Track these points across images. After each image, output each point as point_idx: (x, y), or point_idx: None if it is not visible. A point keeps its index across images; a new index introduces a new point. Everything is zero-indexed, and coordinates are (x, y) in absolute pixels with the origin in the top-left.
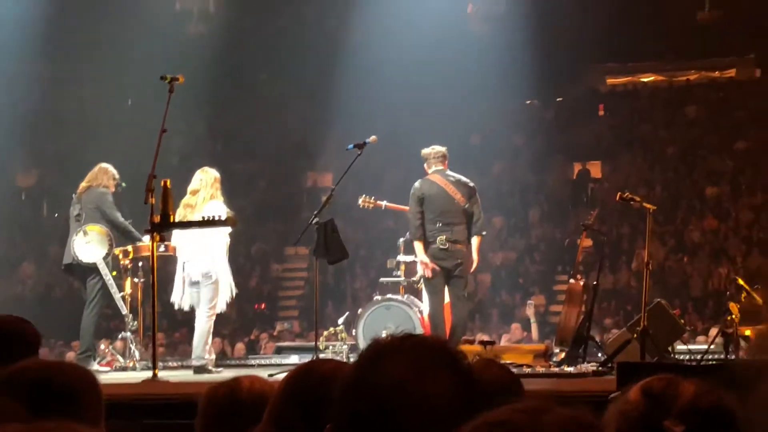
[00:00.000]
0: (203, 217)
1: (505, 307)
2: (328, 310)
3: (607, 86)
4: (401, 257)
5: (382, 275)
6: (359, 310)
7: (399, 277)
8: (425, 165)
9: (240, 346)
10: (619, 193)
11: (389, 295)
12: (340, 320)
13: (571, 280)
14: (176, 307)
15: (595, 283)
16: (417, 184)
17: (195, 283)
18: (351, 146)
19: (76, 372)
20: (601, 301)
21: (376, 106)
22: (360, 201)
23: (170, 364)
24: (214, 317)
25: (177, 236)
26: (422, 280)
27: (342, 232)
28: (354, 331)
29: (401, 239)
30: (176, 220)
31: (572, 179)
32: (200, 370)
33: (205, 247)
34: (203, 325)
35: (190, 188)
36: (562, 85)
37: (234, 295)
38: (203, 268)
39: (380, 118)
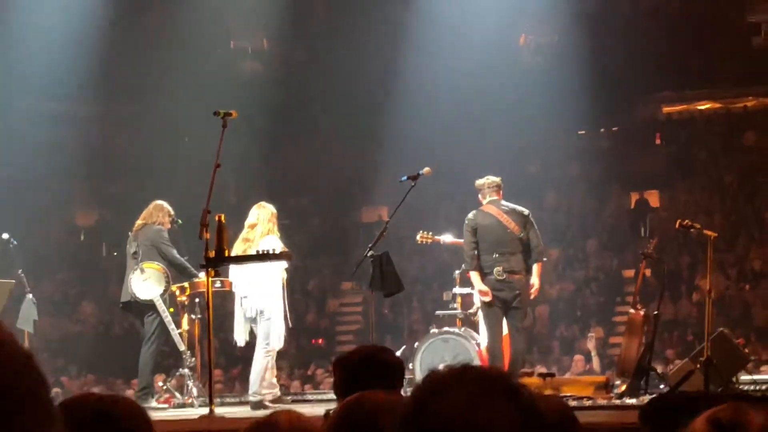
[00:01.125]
0: (258, 251)
1: (564, 339)
2: (386, 343)
3: (664, 115)
4: (457, 289)
5: (438, 308)
6: (416, 344)
7: (455, 309)
8: (479, 196)
9: (297, 382)
10: (678, 221)
11: (446, 328)
12: (397, 353)
13: (631, 310)
14: (238, 344)
15: (655, 313)
16: (471, 214)
17: (251, 319)
18: (404, 178)
19: (131, 407)
20: (663, 332)
21: (430, 138)
22: (418, 237)
23: (228, 400)
24: (271, 353)
25: (234, 272)
26: (479, 312)
27: (397, 265)
28: (411, 364)
29: (457, 272)
30: (234, 254)
31: (630, 209)
32: (257, 405)
33: (261, 283)
34: (260, 361)
35: (247, 222)
36: (617, 114)
37: (287, 330)
38: (259, 304)
39: (434, 149)
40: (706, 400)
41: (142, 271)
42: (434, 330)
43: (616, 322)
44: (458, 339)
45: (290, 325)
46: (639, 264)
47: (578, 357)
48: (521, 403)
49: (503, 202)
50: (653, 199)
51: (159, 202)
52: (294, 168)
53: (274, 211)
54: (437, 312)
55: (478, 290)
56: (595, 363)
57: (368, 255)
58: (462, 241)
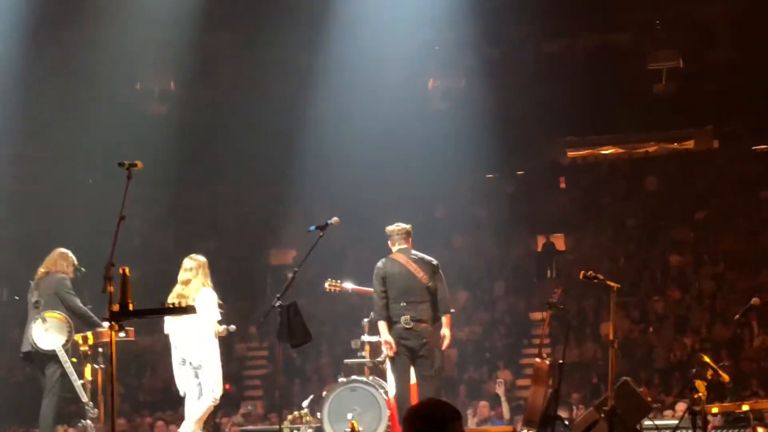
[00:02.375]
0: (165, 305)
1: (473, 382)
2: (294, 388)
3: (568, 159)
4: (365, 337)
5: (347, 352)
6: (324, 393)
7: (364, 358)
8: (389, 242)
9: None
10: (582, 272)
11: (354, 377)
12: (305, 403)
13: (537, 360)
14: (180, 393)
15: (560, 362)
16: (380, 263)
17: (197, 368)
18: (313, 228)
19: None
20: (568, 375)
21: (338, 184)
22: (326, 285)
23: None
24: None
25: (169, 324)
26: (387, 360)
27: (305, 308)
28: (319, 414)
29: (365, 319)
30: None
31: (536, 251)
32: None
33: (194, 335)
34: (204, 406)
35: (180, 278)
36: (523, 158)
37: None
38: (199, 356)
39: (342, 195)
40: None
41: (44, 320)
42: (342, 379)
43: (524, 364)
44: (367, 388)
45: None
46: (544, 312)
47: (483, 403)
48: None
49: (413, 252)
50: (559, 242)
51: (62, 250)
52: (201, 210)
53: (205, 260)
54: (345, 360)
55: (384, 341)
56: (505, 409)
57: (276, 305)
58: (368, 289)
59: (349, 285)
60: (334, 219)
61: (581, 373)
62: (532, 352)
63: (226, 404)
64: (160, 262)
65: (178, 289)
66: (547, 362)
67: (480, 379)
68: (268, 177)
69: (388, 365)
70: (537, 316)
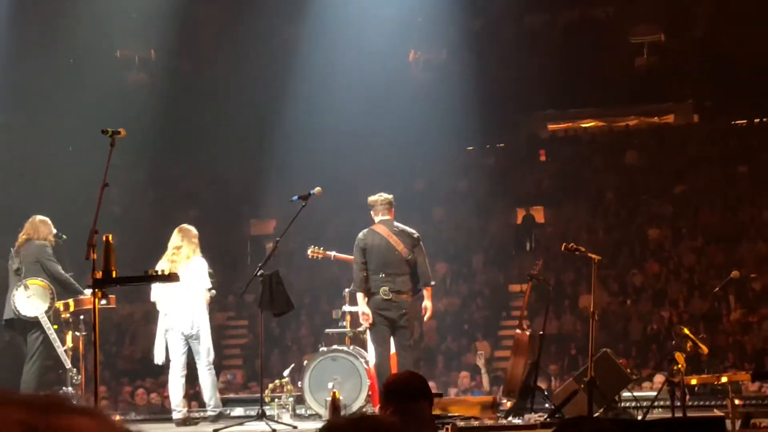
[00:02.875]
0: (146, 272)
1: (451, 353)
2: (273, 357)
3: (548, 132)
4: (346, 308)
5: (327, 323)
6: (305, 362)
7: (344, 327)
8: (372, 212)
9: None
10: (564, 244)
11: (335, 346)
12: (286, 372)
13: (518, 330)
14: (156, 361)
15: (540, 333)
16: (361, 234)
17: (188, 337)
18: (296, 198)
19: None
20: (546, 347)
21: (319, 154)
22: (309, 252)
23: (113, 417)
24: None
25: (156, 291)
26: (368, 330)
27: (286, 278)
28: (300, 383)
29: (346, 290)
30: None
31: (516, 224)
32: (218, 417)
33: (189, 302)
34: (209, 376)
35: (172, 245)
36: (503, 131)
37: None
38: (193, 323)
39: (323, 165)
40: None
41: (26, 287)
42: (323, 348)
43: (502, 336)
44: (347, 358)
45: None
46: (526, 283)
47: (464, 374)
48: None
49: (395, 223)
50: (539, 215)
51: (41, 217)
52: (181, 180)
53: (196, 232)
54: (326, 330)
55: (361, 312)
56: (485, 381)
57: (258, 274)
58: (349, 257)
59: (331, 252)
60: (317, 189)
61: (559, 345)
62: (511, 323)
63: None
64: (140, 231)
65: (168, 256)
66: (528, 334)
67: (459, 351)
68: (248, 147)
69: (368, 335)
70: (516, 288)
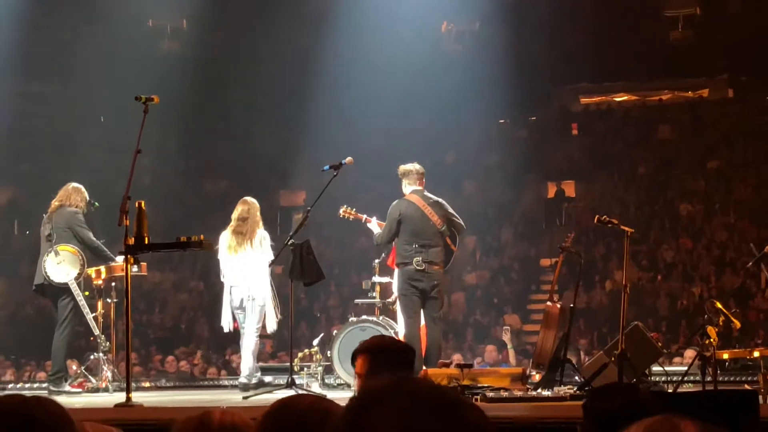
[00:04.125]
0: (180, 239)
1: (480, 326)
2: (301, 329)
3: (581, 106)
4: (376, 278)
5: (356, 295)
6: (334, 332)
7: (374, 298)
8: (403, 182)
9: (212, 370)
10: (597, 216)
11: (364, 317)
12: (315, 341)
13: (548, 303)
14: (224, 329)
15: (571, 306)
16: (395, 204)
17: (241, 307)
18: (327, 167)
19: (54, 409)
20: (575, 321)
21: (349, 125)
22: (341, 211)
23: (143, 384)
24: (258, 337)
25: (225, 263)
26: (398, 301)
27: (315, 249)
28: (329, 352)
29: (376, 260)
30: (229, 245)
31: (546, 199)
32: (250, 387)
33: (251, 273)
34: (252, 345)
35: (236, 215)
36: (535, 104)
37: (278, 316)
38: (250, 291)
39: (353, 137)
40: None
41: (57, 253)
42: (352, 318)
43: (531, 310)
44: (376, 328)
45: (279, 316)
46: (557, 256)
47: (491, 347)
48: (453, 420)
49: (427, 193)
50: (570, 189)
51: (75, 184)
52: (211, 151)
53: (258, 205)
54: (356, 300)
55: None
56: (511, 356)
57: (289, 243)
58: (381, 223)
59: (363, 215)
60: (349, 159)
61: (589, 319)
62: (540, 297)
63: (235, 342)
64: (170, 200)
65: (233, 227)
66: (558, 306)
67: (487, 324)
68: (279, 118)
69: (398, 306)
70: (546, 262)
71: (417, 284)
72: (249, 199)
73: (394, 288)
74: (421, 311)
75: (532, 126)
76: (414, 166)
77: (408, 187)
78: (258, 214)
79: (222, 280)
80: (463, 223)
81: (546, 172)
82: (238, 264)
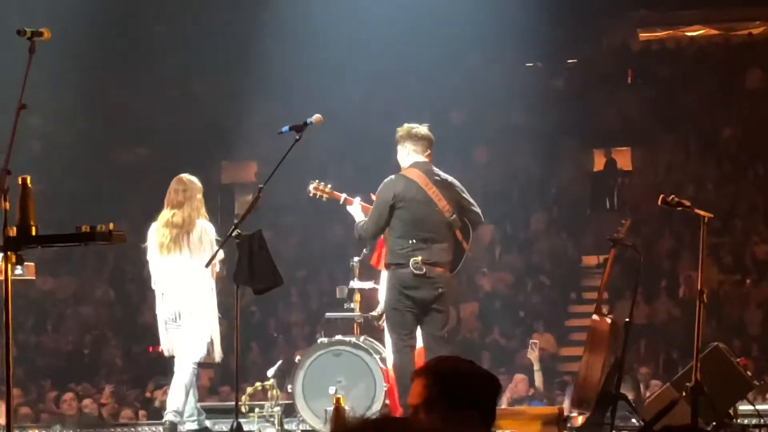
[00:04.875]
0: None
1: (500, 349)
2: (251, 355)
3: (639, 43)
4: (356, 283)
5: (327, 307)
6: (297, 358)
7: (353, 311)
8: (402, 150)
9: (127, 412)
10: (662, 197)
11: (339, 337)
12: (271, 371)
13: (594, 316)
14: (165, 353)
15: (626, 321)
16: (389, 182)
17: (175, 324)
18: (286, 129)
19: None
20: (633, 341)
21: (319, 73)
22: (311, 187)
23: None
24: (197, 364)
25: (154, 264)
26: (386, 315)
27: (271, 243)
28: (290, 386)
29: (356, 259)
30: (157, 244)
31: (592, 172)
32: (173, 427)
33: (188, 278)
34: (186, 375)
35: (169, 201)
36: (577, 41)
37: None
38: (183, 303)
39: (324, 88)
40: None
41: None
42: (322, 339)
43: (571, 327)
44: (356, 353)
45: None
46: (606, 253)
47: (520, 377)
48: None
49: (435, 169)
50: (624, 159)
51: None
52: (125, 107)
53: (201, 185)
54: (327, 315)
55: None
56: (538, 381)
57: (233, 235)
58: (369, 206)
59: (342, 194)
60: (316, 116)
61: (651, 339)
62: (584, 309)
63: (158, 371)
64: (68, 176)
65: (167, 216)
66: (608, 321)
67: (510, 346)
68: (219, 64)
69: (386, 322)
70: (591, 260)
71: (414, 294)
72: (186, 177)
73: (381, 297)
74: (418, 329)
75: (571, 71)
76: (421, 129)
77: (408, 158)
78: (199, 197)
79: (153, 287)
80: (480, 213)
81: (591, 136)
82: (173, 267)
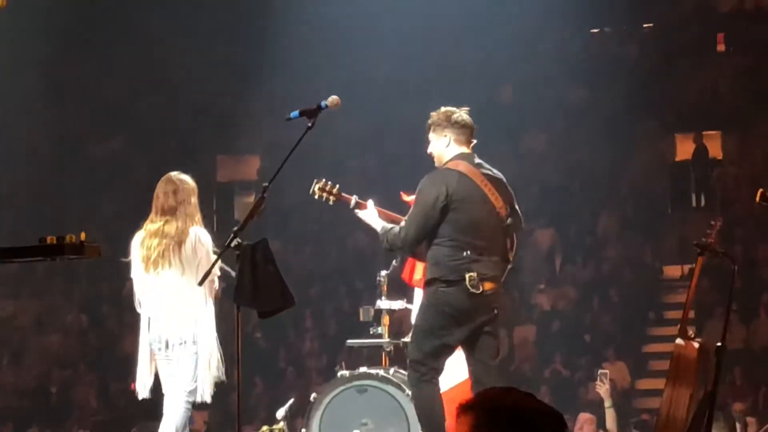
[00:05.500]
0: (45, 240)
1: (561, 382)
2: (255, 391)
3: (731, 2)
4: (383, 303)
5: (349, 330)
6: (312, 395)
7: (380, 337)
8: (441, 138)
9: None
10: (760, 192)
11: (363, 369)
12: (280, 412)
13: (679, 340)
14: (140, 394)
15: (719, 345)
16: (437, 176)
17: (165, 355)
18: (295, 114)
19: None
20: (727, 369)
21: (333, 46)
22: (314, 187)
23: None
24: (191, 403)
25: (140, 285)
26: (413, 338)
27: (279, 255)
28: (304, 430)
29: (383, 273)
30: (146, 256)
31: (674, 162)
32: None
33: (179, 299)
34: (178, 415)
35: (158, 206)
36: (653, 1)
37: (221, 373)
38: (174, 330)
39: (343, 64)
40: None
41: None
42: (343, 372)
43: (649, 353)
44: (385, 388)
45: (221, 367)
46: (693, 262)
47: (586, 417)
48: None
49: (479, 160)
50: (714, 145)
51: None
52: (97, 88)
53: (194, 185)
54: (348, 342)
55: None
56: (610, 421)
57: (232, 245)
58: (391, 213)
59: (353, 196)
60: (332, 98)
61: (750, 367)
62: (664, 332)
63: (144, 415)
64: (31, 173)
65: (154, 224)
66: (696, 345)
67: (574, 378)
68: (213, 34)
69: (409, 346)
70: (674, 271)
71: (464, 318)
72: (176, 175)
73: (414, 317)
74: (461, 359)
75: (647, 38)
76: (462, 115)
77: (448, 149)
78: (193, 200)
79: (138, 310)
80: (522, 219)
81: (672, 118)
82: (162, 286)
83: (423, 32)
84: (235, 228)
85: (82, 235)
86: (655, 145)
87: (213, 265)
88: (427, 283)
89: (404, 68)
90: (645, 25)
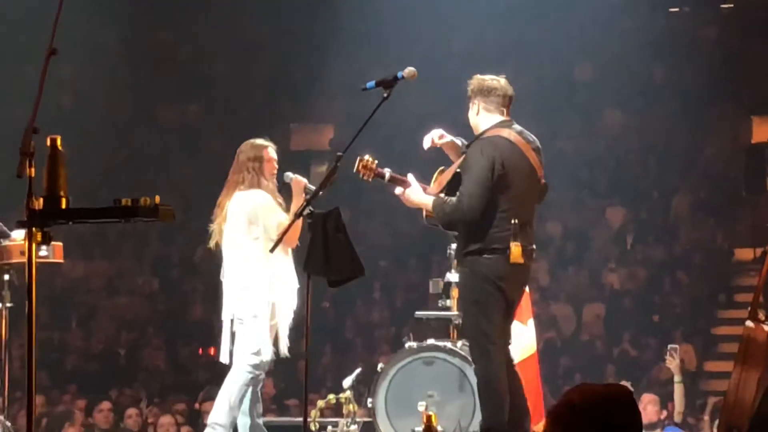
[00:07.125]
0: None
1: (629, 362)
2: (324, 360)
3: None
4: (453, 276)
5: (417, 302)
6: (380, 366)
7: (449, 309)
8: (477, 106)
9: (167, 420)
10: None
11: (431, 341)
12: (347, 382)
13: (749, 323)
14: (222, 360)
15: None
16: (489, 141)
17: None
18: (371, 84)
19: None
20: None
21: (411, 17)
22: (358, 164)
23: None
24: (257, 371)
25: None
26: (465, 311)
27: (351, 225)
28: (370, 401)
29: (453, 246)
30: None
31: (750, 145)
32: None
33: (231, 273)
34: (234, 378)
35: (271, 169)
36: None
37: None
38: (230, 306)
39: (416, 36)
40: None
41: None
42: (410, 343)
43: (718, 335)
44: (452, 361)
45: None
46: (766, 244)
47: (650, 397)
48: None
49: (519, 127)
50: None
51: None
52: (174, 53)
53: (274, 155)
54: (417, 313)
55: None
56: (678, 398)
57: (305, 213)
58: (424, 185)
59: (386, 170)
60: (409, 70)
61: None
62: (735, 315)
63: (211, 379)
64: (106, 137)
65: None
66: (766, 328)
67: (643, 358)
68: (291, 5)
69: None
70: (746, 254)
71: (507, 287)
72: (260, 142)
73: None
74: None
75: (726, 18)
76: (499, 82)
77: (480, 117)
78: (245, 161)
79: (222, 279)
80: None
81: (750, 100)
82: (225, 259)
83: (502, 8)
84: (307, 196)
85: (157, 198)
86: (731, 127)
87: (285, 230)
88: (469, 253)
89: (482, 44)
90: (724, 6)
